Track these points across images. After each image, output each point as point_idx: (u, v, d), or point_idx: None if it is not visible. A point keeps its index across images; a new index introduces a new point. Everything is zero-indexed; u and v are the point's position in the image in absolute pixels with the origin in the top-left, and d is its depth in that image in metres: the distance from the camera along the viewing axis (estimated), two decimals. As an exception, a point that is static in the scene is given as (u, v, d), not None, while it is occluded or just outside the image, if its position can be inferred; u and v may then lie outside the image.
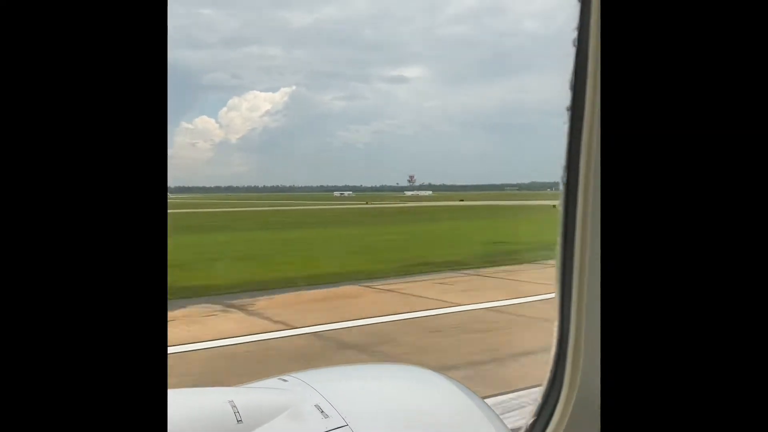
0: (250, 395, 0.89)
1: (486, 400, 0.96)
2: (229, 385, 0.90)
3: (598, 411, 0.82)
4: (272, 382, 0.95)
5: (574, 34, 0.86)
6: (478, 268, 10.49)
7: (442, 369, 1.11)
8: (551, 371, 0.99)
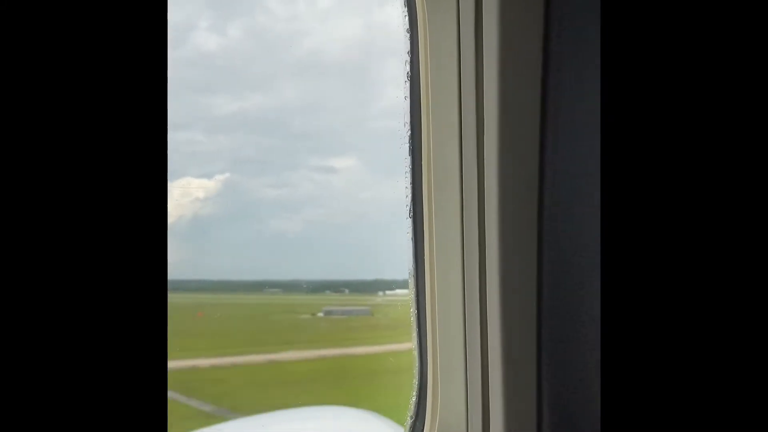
0: None
1: None
2: None
3: None
4: None
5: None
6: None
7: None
8: (414, 406, 0.98)
